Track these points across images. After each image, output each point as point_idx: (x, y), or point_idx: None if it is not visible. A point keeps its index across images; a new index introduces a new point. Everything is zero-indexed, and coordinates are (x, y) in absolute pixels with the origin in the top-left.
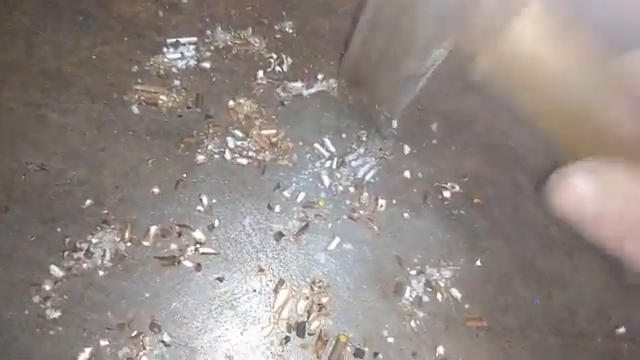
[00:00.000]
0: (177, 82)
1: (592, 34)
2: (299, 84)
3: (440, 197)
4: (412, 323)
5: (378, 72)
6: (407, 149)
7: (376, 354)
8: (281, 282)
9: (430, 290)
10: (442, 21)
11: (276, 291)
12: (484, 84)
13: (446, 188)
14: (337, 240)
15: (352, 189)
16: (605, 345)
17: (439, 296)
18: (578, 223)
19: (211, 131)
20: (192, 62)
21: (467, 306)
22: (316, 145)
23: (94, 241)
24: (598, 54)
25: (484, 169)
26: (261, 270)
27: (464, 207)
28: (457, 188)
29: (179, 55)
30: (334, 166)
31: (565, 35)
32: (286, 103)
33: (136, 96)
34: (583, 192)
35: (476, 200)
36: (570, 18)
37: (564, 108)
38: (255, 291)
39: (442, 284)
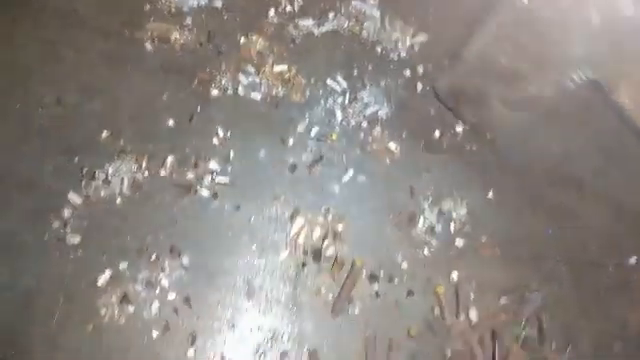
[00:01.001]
0: (189, 20)
1: None
2: (310, 22)
3: (452, 132)
4: (425, 251)
5: (490, 89)
6: (420, 86)
7: (391, 278)
8: (296, 211)
9: (443, 220)
10: (598, 41)
11: (292, 219)
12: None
13: (458, 124)
14: (351, 172)
15: (365, 124)
16: (616, 274)
17: (452, 225)
18: None
19: (224, 67)
20: (203, 1)
21: (479, 236)
22: (328, 81)
23: (111, 170)
24: None
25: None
26: (276, 199)
27: (476, 142)
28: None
29: None
30: (346, 102)
31: None
32: (297, 41)
33: (149, 33)
34: None
35: (489, 136)
36: None
37: None
38: (271, 219)
39: (454, 215)
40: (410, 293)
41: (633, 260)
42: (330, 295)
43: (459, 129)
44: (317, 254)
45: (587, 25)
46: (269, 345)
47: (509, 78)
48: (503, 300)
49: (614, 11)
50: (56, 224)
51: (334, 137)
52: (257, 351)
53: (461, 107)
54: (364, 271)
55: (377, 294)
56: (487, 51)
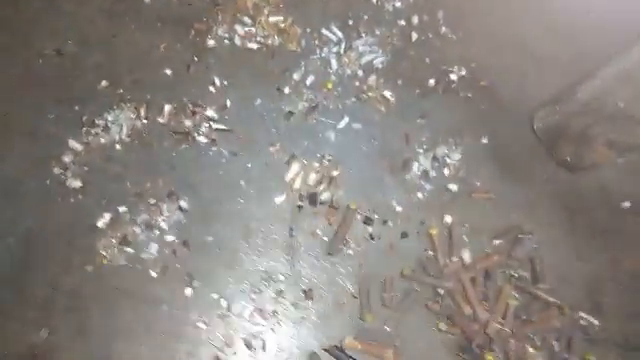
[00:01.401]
0: None
1: None
2: None
3: (447, 80)
4: (420, 194)
5: (596, 130)
6: (415, 36)
7: (385, 221)
8: (292, 157)
9: (437, 165)
10: None
11: (288, 164)
12: None
13: (453, 72)
14: (346, 120)
15: (360, 72)
16: (610, 218)
17: (446, 171)
18: None
19: (220, 18)
20: None
21: (473, 181)
22: (323, 31)
23: (110, 118)
24: None
25: (490, 56)
26: (272, 146)
27: (471, 90)
28: (464, 72)
29: None
30: (342, 51)
31: None
32: None
33: None
34: None
35: (482, 83)
36: None
37: None
38: (267, 164)
39: (449, 160)
40: (404, 235)
41: (627, 204)
42: (325, 237)
43: (454, 77)
44: (313, 198)
45: None
46: (265, 284)
47: (622, 122)
48: (496, 242)
49: None
50: (57, 170)
51: (330, 86)
52: (253, 291)
53: (559, 144)
54: (358, 214)
55: (371, 236)
56: (604, 92)
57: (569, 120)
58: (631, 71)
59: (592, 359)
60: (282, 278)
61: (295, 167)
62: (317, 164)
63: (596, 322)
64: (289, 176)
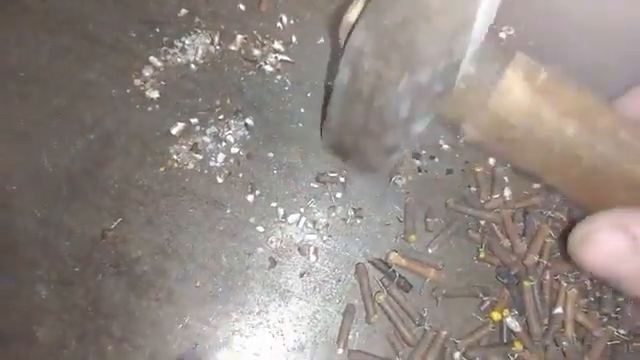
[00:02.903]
0: None
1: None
2: None
3: (496, 38)
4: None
5: (362, 144)
6: None
7: (432, 157)
8: None
9: None
10: (418, 98)
11: None
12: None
13: (502, 31)
14: None
15: None
16: None
17: None
18: (613, 280)
19: None
20: None
21: None
22: None
23: (188, 42)
24: (599, 103)
25: (538, 20)
26: (331, 80)
27: (518, 48)
28: (512, 32)
29: None
30: None
31: (561, 88)
32: None
33: None
34: (614, 248)
35: (530, 43)
36: (557, 70)
37: (576, 163)
38: (325, 96)
39: None
40: (449, 172)
41: None
42: None
43: (503, 35)
44: None
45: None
46: (319, 200)
47: (370, 135)
48: (536, 185)
49: None
50: (137, 82)
51: None
52: (308, 204)
53: (347, 157)
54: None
55: (419, 169)
56: (343, 115)
57: (340, 138)
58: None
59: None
60: (335, 196)
61: None
62: None
63: None
64: None
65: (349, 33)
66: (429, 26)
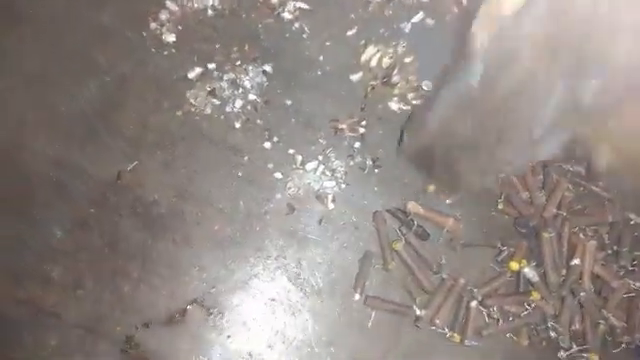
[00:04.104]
0: None
1: None
2: None
3: None
4: None
5: (458, 157)
6: None
7: None
8: (369, 40)
9: None
10: (562, 116)
11: (365, 46)
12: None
13: None
14: (421, 15)
15: None
16: None
17: None
18: None
19: None
20: None
21: None
22: None
23: None
24: None
25: None
26: (350, 29)
27: None
28: None
29: None
30: None
31: None
32: None
33: None
34: None
35: None
36: None
37: None
38: (345, 44)
39: None
40: None
41: None
42: (395, 116)
43: None
44: (387, 78)
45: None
46: (338, 149)
47: (476, 149)
48: None
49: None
50: (154, 25)
51: None
52: (326, 153)
53: (432, 169)
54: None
55: None
56: (450, 120)
57: (431, 147)
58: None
59: None
60: (353, 146)
61: (371, 50)
62: (391, 50)
63: None
64: (364, 58)
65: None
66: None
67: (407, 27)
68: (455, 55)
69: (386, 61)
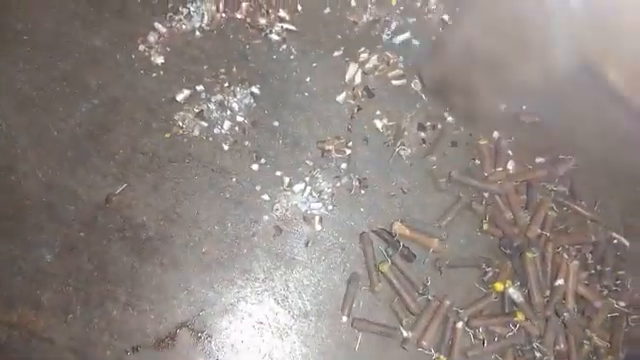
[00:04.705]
0: None
1: None
2: None
3: None
4: None
5: (479, 79)
6: None
7: (434, 126)
8: (353, 57)
9: None
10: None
11: (347, 64)
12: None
13: None
14: (407, 34)
15: None
16: None
17: None
18: None
19: None
20: None
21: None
22: None
23: (193, 8)
24: None
25: None
26: (337, 50)
27: None
28: None
29: None
30: None
31: None
32: None
33: None
34: None
35: None
36: None
37: None
38: (331, 66)
39: None
40: (454, 144)
41: None
42: (380, 136)
43: None
44: (369, 91)
45: (567, 8)
46: (324, 170)
47: (494, 66)
48: (539, 159)
49: None
50: (142, 47)
51: (393, 2)
52: (313, 174)
53: (450, 96)
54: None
55: (424, 140)
56: (470, 39)
57: (450, 71)
58: (486, 14)
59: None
60: (340, 166)
61: (352, 67)
62: (375, 59)
63: (627, 243)
64: (348, 76)
65: None
66: None
67: (392, 46)
68: None
69: (369, 66)
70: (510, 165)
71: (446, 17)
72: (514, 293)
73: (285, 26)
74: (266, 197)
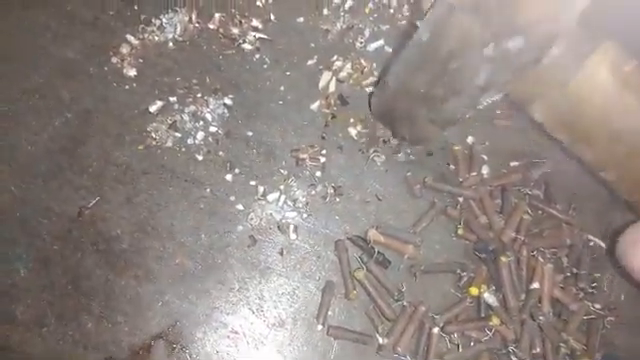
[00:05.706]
0: None
1: None
2: None
3: None
4: None
5: (417, 111)
6: None
7: None
8: (327, 65)
9: None
10: (501, 67)
11: (321, 72)
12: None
13: None
14: (380, 42)
15: (395, 2)
16: None
17: None
18: None
19: None
20: None
21: (495, 108)
22: None
23: (165, 20)
24: None
25: None
26: (310, 58)
27: None
28: None
29: None
30: None
31: None
32: None
33: None
34: None
35: None
36: None
37: None
38: (305, 74)
39: None
40: (429, 153)
41: None
42: (355, 144)
43: None
44: (343, 99)
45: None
46: (299, 178)
47: (430, 102)
48: (513, 163)
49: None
50: (115, 59)
51: (367, 11)
52: (287, 183)
53: (396, 126)
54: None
55: (398, 150)
56: (406, 78)
57: (393, 104)
58: (415, 57)
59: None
60: (315, 175)
61: (326, 76)
62: (349, 66)
63: (603, 245)
64: (321, 84)
65: None
66: None
67: (366, 54)
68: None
69: (343, 74)
70: (484, 170)
71: (419, 23)
72: (489, 297)
73: (258, 35)
74: (240, 207)
